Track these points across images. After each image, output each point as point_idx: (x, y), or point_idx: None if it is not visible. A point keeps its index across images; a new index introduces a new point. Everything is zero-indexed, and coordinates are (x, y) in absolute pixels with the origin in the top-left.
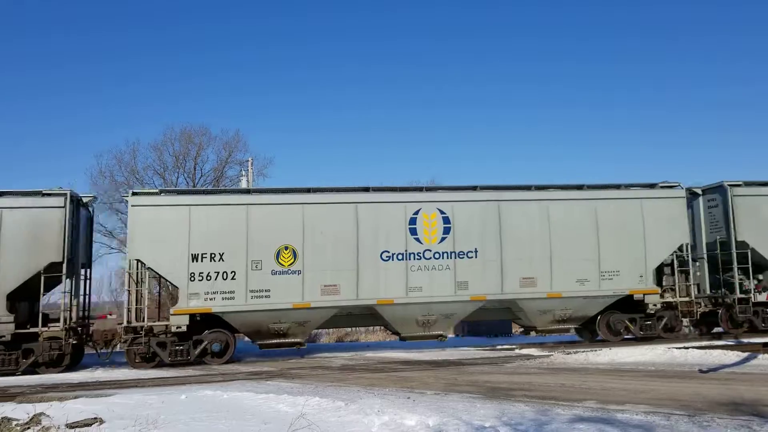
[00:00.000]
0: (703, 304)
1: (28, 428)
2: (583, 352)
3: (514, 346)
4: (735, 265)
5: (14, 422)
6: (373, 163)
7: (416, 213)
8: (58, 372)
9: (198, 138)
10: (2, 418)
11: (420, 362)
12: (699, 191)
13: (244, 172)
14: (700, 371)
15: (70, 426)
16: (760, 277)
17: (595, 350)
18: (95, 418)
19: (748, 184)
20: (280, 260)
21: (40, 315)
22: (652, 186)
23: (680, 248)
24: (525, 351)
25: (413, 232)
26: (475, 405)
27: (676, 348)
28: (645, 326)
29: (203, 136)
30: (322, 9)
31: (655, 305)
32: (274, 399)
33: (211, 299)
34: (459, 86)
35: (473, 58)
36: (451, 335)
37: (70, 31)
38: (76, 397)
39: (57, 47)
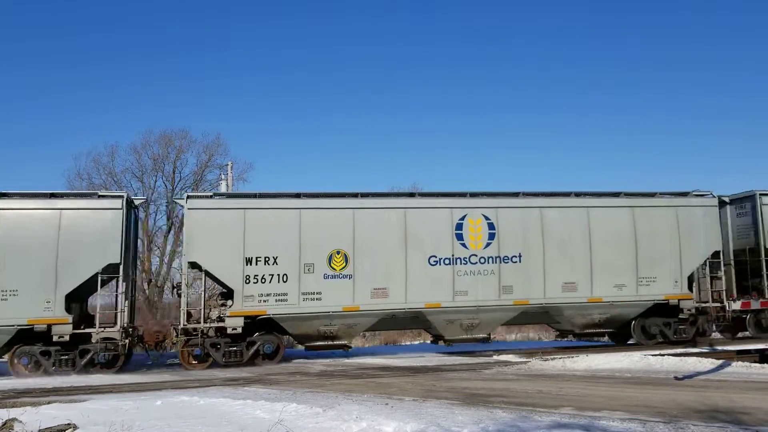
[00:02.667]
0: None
1: None
2: (560, 358)
3: (491, 353)
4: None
5: None
6: (356, 167)
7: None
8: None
9: (178, 141)
10: None
11: (399, 368)
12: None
13: (223, 176)
14: (676, 378)
15: None
16: None
17: (572, 357)
18: (69, 424)
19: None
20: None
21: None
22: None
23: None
24: (503, 357)
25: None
26: (453, 411)
27: (652, 355)
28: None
29: (183, 139)
30: (308, 13)
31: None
32: (252, 405)
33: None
34: (446, 90)
35: (469, 62)
36: (428, 341)
37: (49, 33)
38: (49, 403)
39: (33, 49)
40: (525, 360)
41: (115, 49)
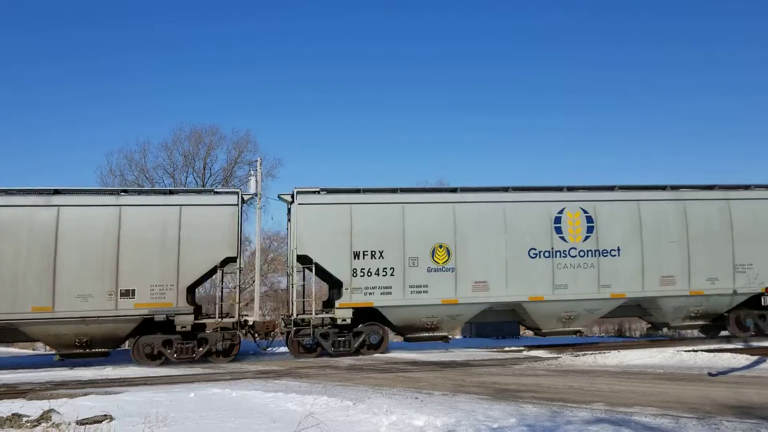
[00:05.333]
0: None
1: (38, 424)
2: (591, 354)
3: (521, 348)
4: None
5: (24, 418)
6: (381, 163)
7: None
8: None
9: (208, 138)
10: (12, 414)
11: (427, 363)
12: None
13: (252, 173)
14: (709, 374)
15: (80, 423)
16: None
17: (603, 353)
18: (105, 415)
19: None
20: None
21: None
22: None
23: None
24: (533, 353)
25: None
26: (483, 406)
27: (685, 351)
28: None
29: (213, 135)
30: (338, 11)
31: None
32: (282, 398)
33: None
34: (469, 90)
35: (488, 63)
36: (458, 336)
37: (81, 26)
38: (85, 395)
39: (66, 42)
40: (555, 356)
41: (142, 44)
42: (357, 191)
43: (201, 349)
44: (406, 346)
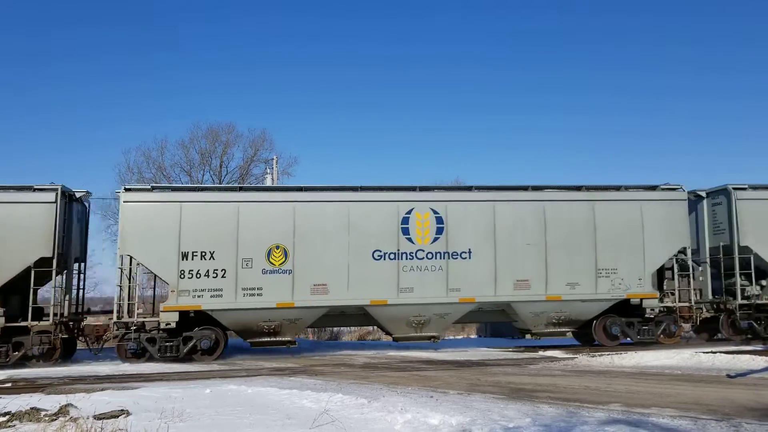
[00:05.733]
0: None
1: (56, 418)
2: (608, 355)
3: (537, 348)
4: (737, 270)
5: (42, 412)
6: (400, 163)
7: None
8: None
9: (225, 136)
10: (31, 408)
11: (442, 362)
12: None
13: (269, 171)
14: (728, 376)
15: (98, 417)
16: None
17: (620, 353)
18: (122, 410)
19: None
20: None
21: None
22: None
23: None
24: (549, 353)
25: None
26: (498, 405)
27: (703, 352)
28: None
29: (230, 134)
30: (356, 10)
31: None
32: (298, 395)
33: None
34: (490, 91)
35: (506, 65)
36: (473, 335)
37: (98, 24)
38: (103, 389)
39: (82, 40)
40: (572, 356)
41: (158, 41)
42: (190, 189)
43: (16, 353)
44: (394, 345)
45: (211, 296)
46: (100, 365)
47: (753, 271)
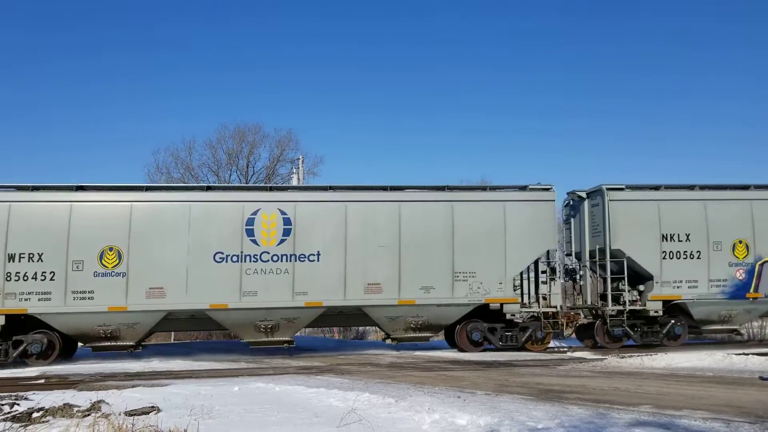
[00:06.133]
0: (583, 315)
1: (89, 414)
2: (638, 356)
3: (565, 349)
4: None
5: (75, 408)
6: (424, 163)
7: (255, 213)
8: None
9: (251, 136)
10: (64, 404)
11: (469, 362)
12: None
13: (295, 170)
14: (761, 378)
15: (129, 414)
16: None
17: (651, 354)
18: (152, 407)
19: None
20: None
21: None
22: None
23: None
24: (577, 354)
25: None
26: (527, 406)
27: (736, 354)
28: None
29: (256, 134)
30: (384, 10)
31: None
32: (325, 393)
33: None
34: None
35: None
36: None
37: (124, 21)
38: (133, 386)
39: (107, 37)
40: (601, 357)
41: (185, 39)
42: (20, 189)
43: None
44: (420, 346)
45: (39, 299)
46: (130, 362)
47: (626, 275)
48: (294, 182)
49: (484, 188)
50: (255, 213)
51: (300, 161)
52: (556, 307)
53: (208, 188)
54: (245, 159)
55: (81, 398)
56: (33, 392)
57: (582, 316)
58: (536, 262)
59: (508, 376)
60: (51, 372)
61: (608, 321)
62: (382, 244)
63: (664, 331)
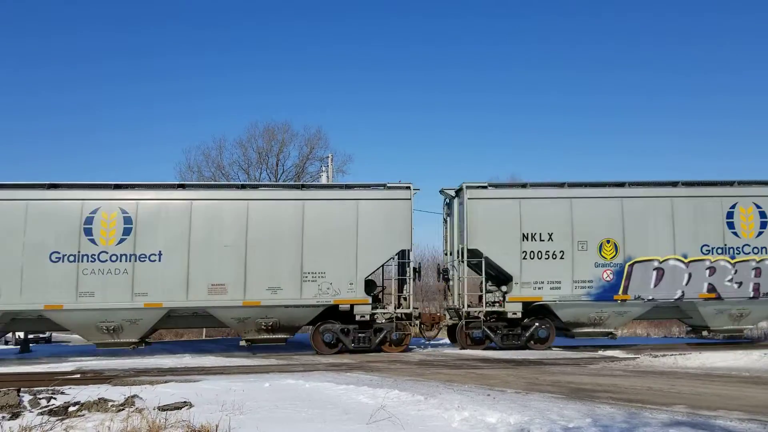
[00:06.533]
0: (449, 316)
1: (123, 409)
2: (671, 355)
3: (597, 348)
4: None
5: (110, 403)
6: (451, 162)
7: (94, 212)
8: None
9: (281, 135)
10: (99, 398)
11: (499, 360)
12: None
13: (324, 168)
14: None
15: (162, 408)
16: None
17: (684, 354)
18: (185, 402)
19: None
20: None
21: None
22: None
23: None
24: (609, 353)
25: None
26: (557, 405)
27: None
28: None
29: (286, 132)
30: (409, 10)
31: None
32: (354, 390)
33: None
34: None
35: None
36: None
37: (158, 23)
38: (166, 382)
39: (143, 38)
40: (633, 356)
41: (217, 43)
42: None
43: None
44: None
45: None
46: (163, 358)
47: (484, 276)
48: (323, 180)
49: (340, 186)
50: (94, 212)
51: (329, 159)
52: (408, 308)
53: (51, 186)
54: (275, 157)
55: (115, 393)
56: (69, 387)
57: (449, 317)
58: (404, 264)
59: (538, 374)
60: (86, 367)
61: (465, 323)
62: (227, 243)
63: (527, 334)
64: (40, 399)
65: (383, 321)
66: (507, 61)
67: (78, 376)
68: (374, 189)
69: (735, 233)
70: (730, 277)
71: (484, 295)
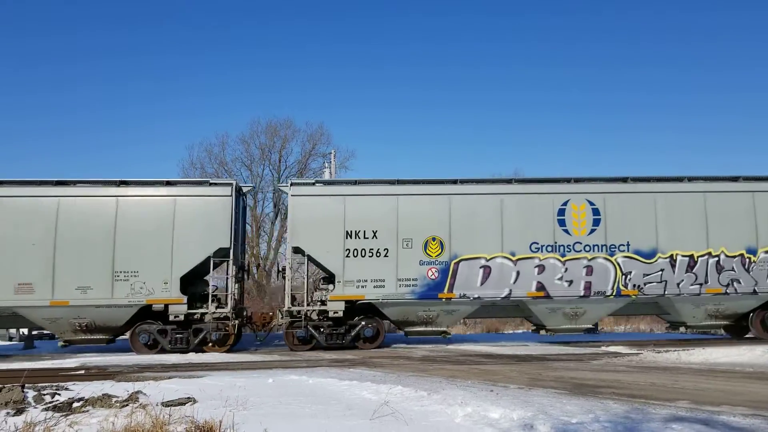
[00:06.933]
0: (281, 315)
1: (127, 405)
2: (674, 351)
3: (600, 343)
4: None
5: (114, 399)
6: (454, 158)
7: None
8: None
9: (283, 131)
10: (103, 394)
11: (502, 356)
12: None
13: (327, 165)
14: None
15: (165, 404)
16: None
17: (687, 349)
18: (188, 398)
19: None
20: None
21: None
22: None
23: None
24: (612, 348)
25: None
26: (560, 400)
27: None
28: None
29: (288, 129)
30: (411, 7)
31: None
32: (358, 386)
33: None
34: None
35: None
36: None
37: (160, 22)
38: (170, 378)
39: (141, 38)
40: (636, 351)
41: (222, 40)
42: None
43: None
44: (453, 339)
45: None
46: (167, 355)
47: (307, 274)
48: (326, 176)
49: (160, 183)
50: None
51: (332, 155)
52: (227, 307)
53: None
54: (278, 153)
55: (119, 389)
56: (73, 383)
57: (281, 316)
58: (238, 264)
59: (541, 370)
60: (90, 363)
61: (290, 322)
62: (34, 241)
63: (353, 333)
64: (44, 395)
65: (210, 320)
66: (507, 58)
67: (82, 372)
68: (195, 186)
69: (566, 231)
70: (560, 276)
71: (305, 295)
